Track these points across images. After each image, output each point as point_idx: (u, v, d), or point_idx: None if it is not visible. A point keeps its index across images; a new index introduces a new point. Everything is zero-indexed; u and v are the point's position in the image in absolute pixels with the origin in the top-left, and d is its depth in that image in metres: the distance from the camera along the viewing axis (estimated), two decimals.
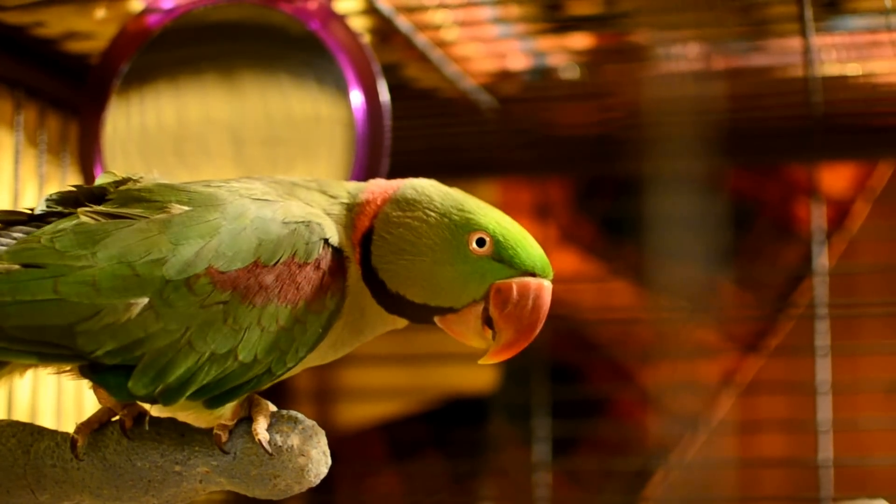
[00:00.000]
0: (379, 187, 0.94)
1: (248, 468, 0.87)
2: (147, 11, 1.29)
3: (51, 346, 0.85)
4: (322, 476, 0.88)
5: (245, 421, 0.89)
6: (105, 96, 1.28)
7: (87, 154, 1.28)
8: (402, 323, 0.94)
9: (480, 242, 0.90)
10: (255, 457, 0.87)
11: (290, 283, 0.88)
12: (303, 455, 0.87)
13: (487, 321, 0.91)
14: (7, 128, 1.39)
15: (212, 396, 0.88)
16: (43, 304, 0.84)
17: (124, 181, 0.93)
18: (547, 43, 1.56)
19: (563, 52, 1.58)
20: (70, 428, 0.91)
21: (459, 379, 1.93)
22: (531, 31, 1.52)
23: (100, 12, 1.36)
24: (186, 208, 0.88)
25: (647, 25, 1.50)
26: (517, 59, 1.59)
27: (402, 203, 0.92)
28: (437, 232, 0.91)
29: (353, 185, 0.96)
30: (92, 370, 0.86)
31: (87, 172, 1.29)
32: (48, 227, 0.88)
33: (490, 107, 1.65)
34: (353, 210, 0.93)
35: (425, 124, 1.65)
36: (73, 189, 0.92)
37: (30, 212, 0.91)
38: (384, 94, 1.24)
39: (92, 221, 0.88)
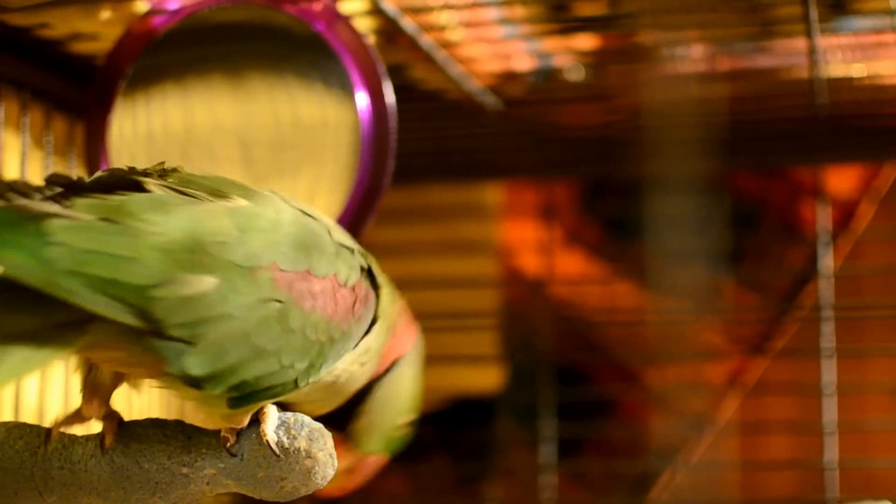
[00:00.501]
0: (401, 338, 1.07)
1: (255, 470, 0.88)
2: (152, 12, 1.29)
3: (123, 303, 0.81)
4: (329, 478, 0.89)
5: (251, 424, 0.89)
6: (111, 98, 1.28)
7: (94, 156, 1.28)
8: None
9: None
10: (262, 459, 0.87)
11: (332, 297, 0.90)
12: (310, 457, 0.87)
13: None
14: (13, 129, 1.39)
15: (242, 394, 0.87)
16: (122, 261, 0.81)
17: (172, 170, 0.91)
18: (552, 44, 1.56)
19: (569, 53, 1.57)
20: (77, 430, 0.91)
21: (465, 380, 1.93)
22: (537, 32, 1.52)
23: (105, 13, 1.36)
24: (248, 202, 0.88)
25: (653, 26, 1.50)
26: (522, 60, 1.59)
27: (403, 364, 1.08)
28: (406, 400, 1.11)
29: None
30: (154, 336, 0.83)
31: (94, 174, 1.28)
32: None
33: (495, 108, 1.65)
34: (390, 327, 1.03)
35: (430, 126, 1.65)
36: (124, 169, 0.90)
37: (76, 179, 0.88)
38: (390, 96, 1.24)
39: (160, 191, 0.87)
